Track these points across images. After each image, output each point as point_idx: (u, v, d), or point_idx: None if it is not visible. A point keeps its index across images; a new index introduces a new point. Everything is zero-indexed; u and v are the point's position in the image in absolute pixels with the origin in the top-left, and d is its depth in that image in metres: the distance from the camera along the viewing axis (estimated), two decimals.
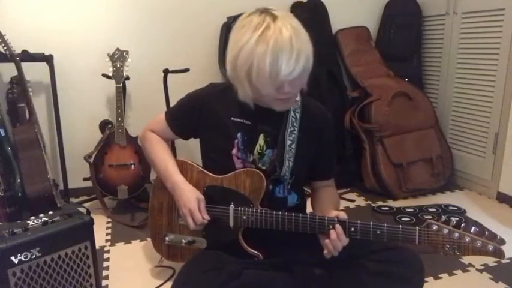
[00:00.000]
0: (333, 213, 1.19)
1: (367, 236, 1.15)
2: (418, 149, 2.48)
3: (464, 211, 2.22)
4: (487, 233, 1.07)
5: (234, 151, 1.32)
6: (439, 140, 2.56)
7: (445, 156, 2.55)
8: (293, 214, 1.23)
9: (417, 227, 1.12)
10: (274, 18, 1.12)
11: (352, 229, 1.15)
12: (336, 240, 1.14)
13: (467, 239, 1.07)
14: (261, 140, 1.33)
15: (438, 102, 2.74)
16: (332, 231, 1.15)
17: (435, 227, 1.10)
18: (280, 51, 1.08)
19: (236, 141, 1.32)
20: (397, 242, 1.15)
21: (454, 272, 1.65)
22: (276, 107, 1.25)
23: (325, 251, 1.17)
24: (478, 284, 1.58)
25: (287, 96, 1.19)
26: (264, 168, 1.33)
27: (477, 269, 1.66)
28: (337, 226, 1.15)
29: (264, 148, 1.33)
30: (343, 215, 1.18)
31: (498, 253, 1.05)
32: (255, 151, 1.33)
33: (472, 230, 1.08)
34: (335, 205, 1.37)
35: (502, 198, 2.34)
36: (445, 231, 1.09)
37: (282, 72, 1.10)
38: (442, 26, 2.66)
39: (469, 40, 2.49)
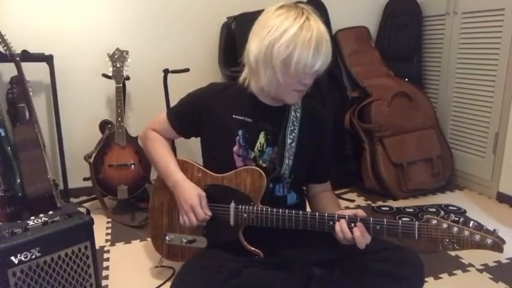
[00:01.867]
0: (350, 212, 1.19)
1: (368, 232, 1.15)
2: (418, 149, 2.48)
3: (464, 211, 2.22)
4: (485, 227, 1.08)
5: (235, 148, 1.33)
6: (439, 140, 2.56)
7: (445, 156, 2.55)
8: (293, 211, 1.23)
9: (416, 222, 1.12)
10: (310, 12, 1.20)
11: (352, 225, 1.15)
12: (360, 237, 1.13)
13: (466, 233, 1.08)
14: (261, 138, 1.33)
15: (438, 102, 2.74)
16: (355, 229, 1.14)
17: (434, 222, 1.11)
18: (321, 41, 1.17)
19: (237, 138, 1.32)
20: (397, 237, 1.15)
21: (454, 272, 1.65)
22: (290, 99, 1.28)
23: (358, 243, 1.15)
24: (478, 284, 1.58)
25: (305, 88, 1.25)
26: (264, 165, 1.34)
27: (477, 269, 1.66)
28: (360, 224, 1.15)
29: (265, 146, 1.34)
30: (361, 213, 1.17)
31: (497, 246, 1.06)
32: (256, 148, 1.33)
33: (470, 225, 1.08)
34: (339, 207, 1.38)
35: (502, 198, 2.34)
36: (444, 225, 1.10)
37: (320, 61, 1.17)
38: (442, 26, 2.66)
39: (469, 40, 2.49)
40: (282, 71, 1.18)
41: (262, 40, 1.19)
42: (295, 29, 1.14)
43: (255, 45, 1.22)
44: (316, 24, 1.17)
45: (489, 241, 1.06)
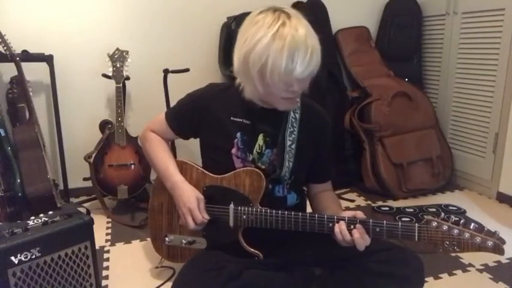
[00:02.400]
0: (350, 213, 1.19)
1: (367, 234, 1.15)
2: (418, 149, 2.48)
3: (464, 211, 2.22)
4: (486, 229, 1.07)
5: (234, 150, 1.32)
6: (439, 140, 2.56)
7: (445, 156, 2.55)
8: (293, 213, 1.23)
9: (416, 224, 1.12)
10: (289, 16, 1.13)
11: (352, 227, 1.15)
12: (359, 239, 1.13)
13: (467, 235, 1.07)
14: (260, 140, 1.33)
15: (438, 102, 2.74)
16: (355, 231, 1.14)
17: (434, 224, 1.10)
18: (296, 49, 1.09)
19: (236, 140, 1.32)
20: (397, 239, 1.15)
21: (454, 272, 1.65)
22: (280, 106, 1.25)
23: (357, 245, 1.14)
24: (478, 284, 1.58)
25: (294, 96, 1.21)
26: (263, 167, 1.33)
27: (477, 269, 1.66)
28: (359, 226, 1.14)
29: (263, 148, 1.33)
30: (360, 215, 1.17)
31: (497, 249, 1.05)
32: (254, 151, 1.33)
33: (471, 227, 1.08)
34: (340, 207, 1.38)
35: (502, 198, 2.34)
36: (445, 227, 1.09)
37: (297, 70, 1.11)
38: (442, 26, 2.66)
39: (469, 40, 2.49)
40: (259, 82, 1.16)
41: (240, 51, 1.18)
42: (268, 38, 1.10)
43: (235, 56, 1.21)
44: (292, 30, 1.10)
45: (490, 243, 1.05)
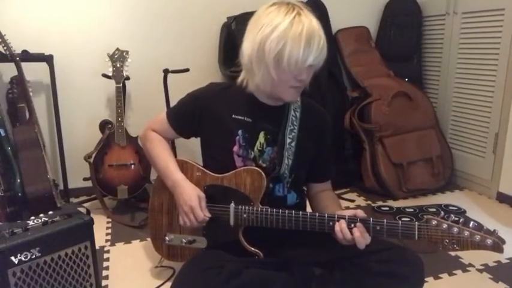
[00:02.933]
0: (350, 212, 1.19)
1: (368, 232, 1.15)
2: (418, 149, 2.48)
3: (464, 211, 2.22)
4: (485, 228, 1.08)
5: (235, 148, 1.33)
6: (439, 140, 2.56)
7: (445, 156, 2.55)
8: (293, 212, 1.23)
9: (416, 222, 1.12)
10: (301, 8, 1.20)
11: (352, 225, 1.15)
12: (360, 238, 1.13)
13: (466, 233, 1.08)
14: (261, 138, 1.33)
15: (438, 102, 2.74)
16: (355, 229, 1.14)
17: (434, 222, 1.11)
18: (313, 35, 1.16)
19: (237, 138, 1.32)
20: (397, 237, 1.15)
21: (454, 272, 1.65)
22: (287, 96, 1.27)
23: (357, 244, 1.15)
24: (478, 284, 1.58)
25: (301, 84, 1.24)
26: (264, 165, 1.34)
27: (477, 269, 1.66)
28: (359, 224, 1.14)
29: (264, 146, 1.34)
30: (361, 213, 1.17)
31: (497, 247, 1.06)
32: (256, 148, 1.33)
33: (470, 225, 1.08)
34: (340, 207, 1.38)
35: (502, 198, 2.34)
36: (444, 226, 1.10)
37: (312, 55, 1.16)
38: (442, 26, 2.66)
39: (469, 40, 2.49)
40: (275, 68, 1.19)
41: (254, 38, 1.20)
42: (285, 24, 1.15)
43: (248, 44, 1.23)
44: (307, 19, 1.17)
45: (489, 242, 1.06)
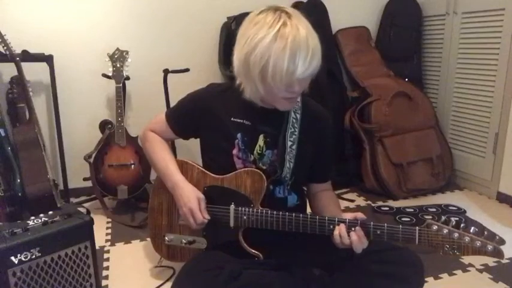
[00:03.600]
0: (350, 215, 1.18)
1: (367, 236, 1.15)
2: (418, 149, 2.48)
3: (464, 211, 2.22)
4: (486, 232, 1.08)
5: (235, 151, 1.32)
6: (439, 140, 2.56)
7: (445, 156, 2.55)
8: (293, 214, 1.23)
9: (417, 227, 1.12)
10: (289, 16, 1.12)
11: (353, 229, 1.15)
12: (357, 241, 1.13)
13: (467, 239, 1.08)
14: (260, 141, 1.33)
15: (438, 102, 2.74)
16: (353, 233, 1.14)
17: (435, 227, 1.10)
18: (298, 49, 1.08)
19: (236, 141, 1.32)
20: (397, 242, 1.15)
21: (454, 272, 1.65)
22: (280, 106, 1.25)
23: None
24: (478, 284, 1.58)
25: (294, 96, 1.20)
26: (264, 168, 1.33)
27: (477, 269, 1.66)
28: (358, 229, 1.14)
29: (264, 149, 1.33)
30: (360, 215, 1.17)
31: (497, 253, 1.06)
32: (255, 151, 1.33)
33: (471, 230, 1.08)
34: (338, 207, 1.38)
35: (502, 198, 2.34)
36: (445, 231, 1.10)
37: (299, 70, 1.09)
38: (442, 26, 2.66)
39: (469, 40, 2.49)
40: (260, 82, 1.15)
41: (240, 51, 1.16)
42: (269, 38, 1.09)
43: (236, 56, 1.20)
44: (293, 30, 1.09)
45: (490, 247, 1.06)
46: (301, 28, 1.10)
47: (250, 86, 1.21)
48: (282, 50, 1.08)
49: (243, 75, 1.21)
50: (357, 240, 1.12)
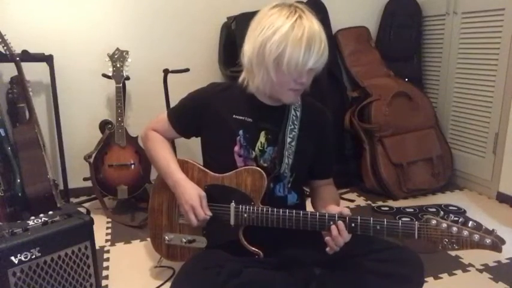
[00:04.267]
0: (336, 209, 1.19)
1: (367, 232, 1.16)
2: (418, 149, 2.48)
3: (464, 211, 2.22)
4: (484, 227, 1.09)
5: (236, 148, 1.33)
6: (439, 140, 2.56)
7: (445, 156, 2.55)
8: (294, 211, 1.23)
9: (416, 222, 1.13)
10: (303, 10, 1.20)
11: (353, 224, 1.16)
12: (337, 237, 1.15)
13: (465, 232, 1.09)
14: (262, 138, 1.34)
15: (438, 102, 2.74)
16: (333, 228, 1.15)
17: (434, 222, 1.11)
18: (313, 39, 1.15)
19: (238, 138, 1.33)
20: (397, 237, 1.15)
21: (454, 272, 1.65)
22: (286, 98, 1.28)
23: (328, 248, 1.17)
24: (478, 284, 1.58)
25: (301, 87, 1.25)
26: (265, 165, 1.34)
27: (477, 269, 1.66)
28: (340, 222, 1.15)
29: (265, 145, 1.34)
30: (346, 211, 1.18)
31: (495, 246, 1.07)
32: (257, 148, 1.34)
33: (469, 225, 1.09)
34: (336, 202, 1.38)
35: (502, 198, 2.34)
36: (444, 225, 1.11)
37: (312, 59, 1.16)
38: (442, 26, 2.66)
39: (469, 40, 2.49)
40: (274, 70, 1.19)
41: (255, 40, 1.20)
42: (287, 27, 1.15)
43: (248, 46, 1.23)
44: (309, 22, 1.16)
45: (488, 241, 1.07)
46: (315, 22, 1.19)
47: (262, 75, 1.23)
48: (299, 39, 1.14)
49: (255, 65, 1.23)
50: (337, 236, 1.14)
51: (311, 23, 1.17)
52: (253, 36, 1.21)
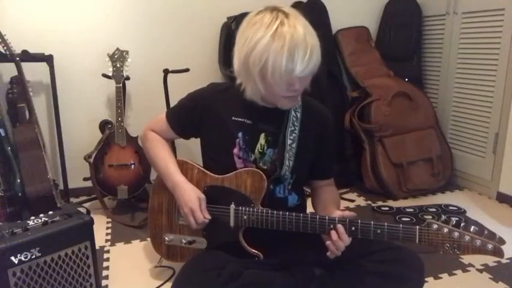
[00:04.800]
0: (337, 213, 1.19)
1: (367, 235, 1.15)
2: (418, 149, 2.48)
3: (464, 211, 2.22)
4: (486, 232, 1.08)
5: (236, 150, 1.32)
6: (439, 140, 2.56)
7: (445, 156, 2.55)
8: (294, 214, 1.23)
9: (417, 226, 1.12)
10: (287, 15, 1.14)
11: (353, 228, 1.15)
12: (337, 241, 1.14)
13: (467, 238, 1.08)
14: (261, 140, 1.33)
15: (438, 102, 2.74)
16: (333, 232, 1.15)
17: (435, 226, 1.11)
18: (296, 47, 1.10)
19: (237, 140, 1.32)
20: (398, 241, 1.15)
21: (454, 272, 1.65)
22: (282, 105, 1.26)
23: (328, 252, 1.17)
24: (478, 284, 1.58)
25: (295, 94, 1.21)
26: (265, 167, 1.33)
27: (477, 269, 1.66)
28: (339, 226, 1.15)
29: (265, 147, 1.33)
30: (348, 214, 1.17)
31: (497, 252, 1.06)
32: (256, 150, 1.33)
33: (471, 229, 1.09)
34: (337, 204, 1.38)
35: (502, 198, 2.34)
36: (445, 230, 1.10)
37: (297, 68, 1.11)
38: (442, 26, 2.66)
39: (469, 40, 2.49)
40: (261, 82, 1.17)
41: (240, 52, 1.19)
42: (267, 38, 1.11)
43: (235, 57, 1.22)
44: (291, 29, 1.10)
45: (490, 246, 1.06)
46: (299, 26, 1.12)
47: (251, 86, 1.22)
48: (280, 49, 1.09)
49: (243, 75, 1.22)
50: (337, 240, 1.14)
51: (294, 29, 1.10)
52: (239, 47, 1.19)
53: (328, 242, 1.16)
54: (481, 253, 1.08)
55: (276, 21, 1.12)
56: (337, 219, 1.17)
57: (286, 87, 1.16)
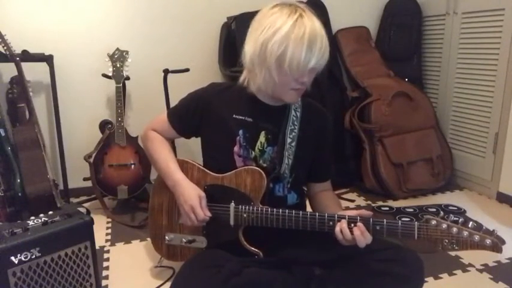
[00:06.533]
0: (354, 212, 1.19)
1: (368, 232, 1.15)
2: (418, 149, 2.48)
3: (464, 211, 2.22)
4: (484, 228, 1.09)
5: (236, 148, 1.33)
6: (439, 140, 2.56)
7: (445, 156, 2.55)
8: (293, 211, 1.23)
9: (416, 222, 1.13)
10: (303, 10, 1.19)
11: (352, 225, 1.15)
12: (360, 236, 1.13)
13: (465, 233, 1.08)
14: (262, 137, 1.34)
15: (438, 102, 2.74)
16: (355, 228, 1.14)
17: (434, 222, 1.11)
18: (315, 38, 1.15)
19: (238, 138, 1.33)
20: (396, 237, 1.15)
21: (454, 272, 1.65)
22: (288, 98, 1.28)
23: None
24: (478, 284, 1.58)
25: (302, 87, 1.24)
26: (265, 165, 1.34)
27: (477, 269, 1.66)
28: (360, 224, 1.14)
29: (265, 145, 1.34)
30: (366, 213, 1.17)
31: (496, 247, 1.06)
32: (256, 148, 1.33)
33: (470, 225, 1.09)
34: (340, 207, 1.38)
35: (502, 198, 2.34)
36: (444, 226, 1.10)
37: (314, 59, 1.16)
38: (442, 26, 2.66)
39: (469, 40, 2.49)
40: (276, 70, 1.19)
41: (256, 40, 1.20)
42: (288, 27, 1.14)
43: (249, 46, 1.23)
44: (310, 22, 1.16)
45: (488, 241, 1.06)
46: (316, 21, 1.19)
47: (264, 75, 1.22)
48: (300, 39, 1.13)
49: (257, 65, 1.22)
50: (360, 235, 1.13)
51: (312, 23, 1.16)
52: (255, 36, 1.21)
53: (358, 233, 1.13)
54: (480, 248, 1.08)
55: (295, 13, 1.17)
56: (336, 215, 1.18)
57: (297, 78, 1.19)
